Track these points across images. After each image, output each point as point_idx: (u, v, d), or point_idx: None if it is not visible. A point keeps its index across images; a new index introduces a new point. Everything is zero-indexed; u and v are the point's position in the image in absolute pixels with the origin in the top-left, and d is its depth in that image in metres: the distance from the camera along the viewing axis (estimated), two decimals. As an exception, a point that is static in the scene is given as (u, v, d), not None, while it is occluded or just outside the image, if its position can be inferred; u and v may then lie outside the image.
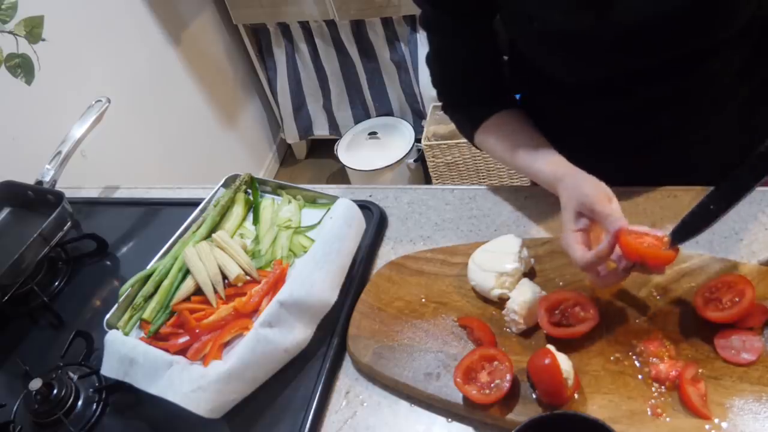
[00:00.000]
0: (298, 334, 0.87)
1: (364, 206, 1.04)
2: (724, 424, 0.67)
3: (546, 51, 0.88)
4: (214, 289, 0.96)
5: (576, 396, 0.73)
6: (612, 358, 0.75)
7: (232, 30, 2.65)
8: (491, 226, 0.98)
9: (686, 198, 0.92)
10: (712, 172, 0.92)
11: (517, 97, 1.03)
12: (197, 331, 0.91)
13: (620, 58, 0.83)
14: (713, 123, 0.92)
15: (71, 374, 0.95)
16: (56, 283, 1.15)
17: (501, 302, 0.84)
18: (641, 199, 0.94)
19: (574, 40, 0.82)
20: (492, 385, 0.74)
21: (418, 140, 2.53)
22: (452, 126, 2.32)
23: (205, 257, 0.98)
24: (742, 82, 0.89)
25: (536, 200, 0.99)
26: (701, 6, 0.76)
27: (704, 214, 0.72)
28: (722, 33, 0.81)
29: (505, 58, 1.00)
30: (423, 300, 0.89)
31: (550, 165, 0.86)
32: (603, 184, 0.78)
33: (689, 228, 0.72)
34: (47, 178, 1.21)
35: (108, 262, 1.18)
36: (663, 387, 0.71)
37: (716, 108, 0.91)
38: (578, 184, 0.79)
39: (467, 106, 1.00)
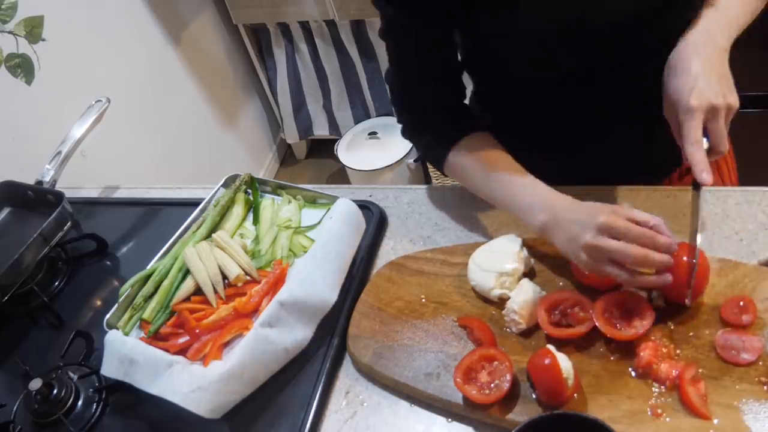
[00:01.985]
0: (298, 334, 0.87)
1: (364, 206, 1.04)
2: (724, 424, 0.67)
3: (519, 49, 0.87)
4: (214, 289, 0.96)
5: (576, 396, 0.73)
6: (612, 358, 0.75)
7: (232, 30, 2.65)
8: (491, 226, 0.98)
9: (686, 198, 0.92)
10: (663, 169, 0.96)
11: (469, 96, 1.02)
12: (197, 331, 0.91)
13: (595, 55, 0.85)
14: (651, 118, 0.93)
15: (71, 374, 0.95)
16: (56, 283, 1.15)
17: (501, 302, 0.84)
18: (641, 199, 0.94)
19: (556, 36, 0.83)
20: (492, 385, 0.74)
21: (418, 140, 2.52)
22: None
23: (205, 257, 0.98)
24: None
25: (536, 200, 0.99)
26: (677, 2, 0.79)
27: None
28: (669, 31, 0.82)
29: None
30: (423, 300, 0.89)
31: (539, 200, 0.82)
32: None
33: None
34: (47, 178, 1.21)
35: (108, 262, 1.18)
36: (663, 387, 0.71)
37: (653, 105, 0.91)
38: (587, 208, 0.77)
39: (434, 125, 0.95)
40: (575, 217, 0.76)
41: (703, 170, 0.72)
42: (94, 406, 0.92)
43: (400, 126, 0.99)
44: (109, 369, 0.90)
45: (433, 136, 0.96)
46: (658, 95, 0.82)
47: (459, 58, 0.95)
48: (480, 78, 1.03)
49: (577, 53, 0.85)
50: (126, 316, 0.97)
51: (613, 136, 0.97)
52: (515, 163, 0.88)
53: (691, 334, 0.75)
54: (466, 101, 0.98)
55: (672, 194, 0.94)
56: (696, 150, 0.72)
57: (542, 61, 0.88)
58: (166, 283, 0.98)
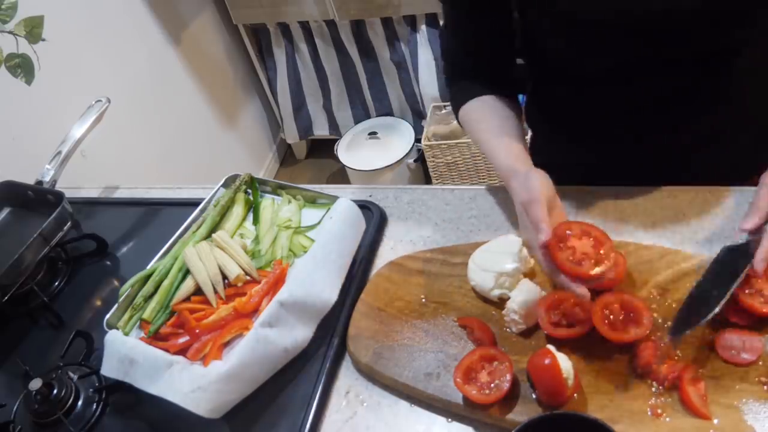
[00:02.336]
0: (298, 334, 0.87)
1: (364, 206, 1.04)
2: (724, 424, 0.67)
3: (563, 36, 0.88)
4: (214, 289, 0.96)
5: (576, 396, 0.73)
6: (612, 358, 0.75)
7: (232, 30, 2.65)
8: (491, 226, 0.98)
9: (686, 198, 0.92)
10: (710, 171, 0.93)
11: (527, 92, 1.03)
12: (197, 331, 0.91)
13: (638, 47, 0.84)
14: (718, 120, 0.92)
15: (71, 374, 0.95)
16: (56, 283, 1.15)
17: (501, 302, 0.84)
18: (641, 199, 0.94)
19: (598, 26, 0.82)
20: (492, 385, 0.74)
21: (418, 140, 2.53)
22: (452, 126, 2.34)
23: (205, 257, 0.98)
24: (755, 81, 0.89)
25: (536, 200, 0.99)
26: (724, 4, 0.77)
27: (702, 302, 0.73)
28: (744, 32, 0.81)
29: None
30: (423, 300, 0.89)
31: (508, 159, 0.87)
32: (551, 184, 0.79)
33: (687, 321, 0.73)
34: (47, 178, 1.21)
35: (108, 262, 1.18)
36: (663, 387, 0.71)
37: (724, 106, 0.91)
38: (525, 181, 0.79)
39: (468, 82, 1.00)
40: (518, 210, 0.81)
41: (763, 260, 0.71)
42: (94, 406, 0.92)
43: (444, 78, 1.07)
44: (109, 369, 0.90)
45: (459, 89, 1.01)
46: (717, 100, 0.83)
47: (515, 42, 0.97)
48: (534, 67, 1.04)
49: (625, 44, 0.84)
50: (126, 316, 0.97)
51: (661, 136, 0.95)
52: (509, 129, 0.92)
53: (691, 334, 0.75)
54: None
55: (672, 194, 0.94)
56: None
57: (589, 50, 0.87)
58: (166, 283, 0.98)
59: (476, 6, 0.90)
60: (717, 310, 0.70)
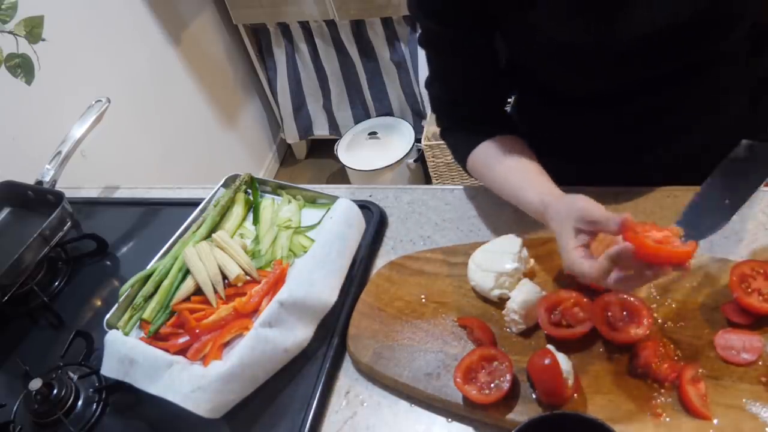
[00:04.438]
0: (298, 334, 0.87)
1: (364, 206, 1.04)
2: (724, 424, 0.67)
3: (547, 63, 0.87)
4: (214, 289, 0.96)
5: (576, 396, 0.73)
6: (612, 358, 0.75)
7: (232, 30, 2.65)
8: (491, 226, 0.98)
9: (686, 198, 0.92)
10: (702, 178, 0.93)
11: (512, 103, 1.01)
12: (197, 331, 0.91)
13: (622, 70, 0.83)
14: (711, 128, 0.92)
15: (71, 374, 0.95)
16: (56, 283, 1.15)
17: (501, 302, 0.84)
18: (641, 199, 0.94)
19: (577, 52, 0.82)
20: (492, 385, 0.74)
21: (418, 140, 2.53)
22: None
23: (205, 257, 0.98)
24: (741, 89, 0.90)
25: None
26: (702, 18, 0.76)
27: (718, 207, 0.69)
28: (722, 44, 0.81)
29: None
30: (423, 300, 0.89)
31: (536, 195, 0.82)
32: (590, 199, 0.75)
33: (706, 223, 0.69)
34: (47, 178, 1.21)
35: (108, 262, 1.18)
36: (663, 387, 0.71)
37: (715, 115, 0.91)
38: (569, 202, 0.76)
39: (465, 130, 0.96)
40: (557, 226, 0.76)
41: None
42: (94, 406, 0.92)
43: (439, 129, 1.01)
44: (109, 369, 0.90)
45: (458, 139, 0.97)
46: (702, 116, 0.81)
47: (500, 65, 0.93)
48: (519, 86, 1.02)
49: (606, 69, 0.83)
50: (126, 316, 0.97)
51: (650, 155, 0.95)
52: (526, 167, 0.87)
53: (691, 334, 0.75)
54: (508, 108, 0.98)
55: (672, 194, 0.94)
56: None
57: (573, 77, 0.86)
58: (166, 283, 0.98)
59: (460, 44, 0.87)
60: (727, 222, 0.68)
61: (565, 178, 0.85)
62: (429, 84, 0.96)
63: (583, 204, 0.73)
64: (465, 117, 0.95)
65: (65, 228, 1.15)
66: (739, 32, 0.81)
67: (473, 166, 0.94)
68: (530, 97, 1.02)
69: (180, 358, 0.87)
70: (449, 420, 0.78)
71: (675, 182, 0.94)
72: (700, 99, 0.88)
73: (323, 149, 2.96)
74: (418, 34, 0.91)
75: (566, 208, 0.75)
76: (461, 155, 0.95)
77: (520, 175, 0.87)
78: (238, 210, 1.09)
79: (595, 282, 0.70)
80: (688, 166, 0.95)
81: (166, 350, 0.89)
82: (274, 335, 0.85)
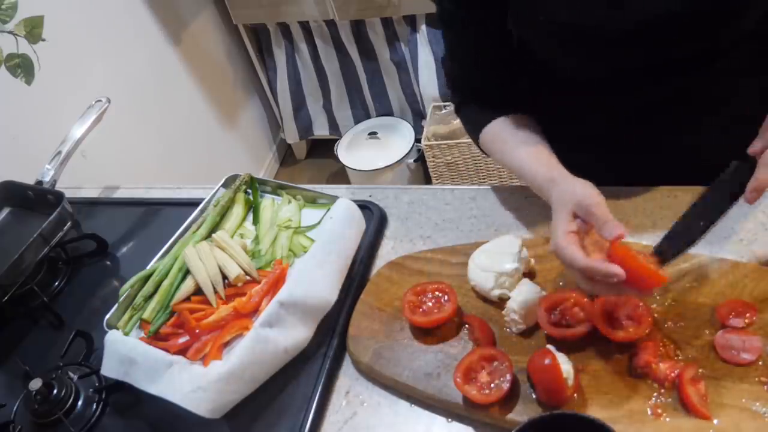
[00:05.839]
0: (298, 334, 0.87)
1: (364, 206, 1.04)
2: (724, 424, 0.67)
3: (553, 45, 0.88)
4: (214, 289, 0.96)
5: (576, 396, 0.73)
6: (612, 358, 0.75)
7: (232, 30, 2.65)
8: (491, 226, 0.98)
9: (686, 198, 0.92)
10: (710, 173, 0.92)
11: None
12: (197, 331, 0.91)
13: (626, 54, 0.83)
14: (714, 123, 0.92)
15: (71, 374, 0.95)
16: (56, 283, 1.15)
17: (501, 302, 0.84)
18: (641, 200, 0.94)
19: (582, 35, 0.82)
20: (492, 385, 0.74)
21: (418, 140, 2.53)
22: (452, 126, 2.34)
23: (205, 257, 0.98)
24: (748, 82, 0.89)
25: (536, 200, 0.98)
26: (708, 6, 0.76)
27: (691, 230, 0.71)
28: (728, 34, 0.81)
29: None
30: (423, 300, 0.88)
31: (544, 167, 0.84)
32: (595, 188, 0.76)
33: (676, 246, 0.71)
34: (47, 178, 1.21)
35: (108, 262, 1.18)
36: (663, 387, 0.71)
37: (719, 107, 0.91)
38: (573, 185, 0.78)
39: (478, 106, 0.99)
40: (555, 205, 0.78)
41: (755, 189, 0.69)
42: (94, 406, 0.92)
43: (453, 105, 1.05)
44: (109, 369, 0.90)
45: (471, 115, 1.00)
46: (713, 104, 0.81)
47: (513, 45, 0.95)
48: (530, 69, 1.03)
49: (610, 52, 0.84)
50: (126, 316, 0.97)
51: (659, 143, 0.94)
52: (535, 143, 0.90)
53: (690, 334, 0.75)
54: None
55: (672, 194, 0.94)
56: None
57: (577, 60, 0.87)
58: (166, 283, 0.98)
59: (473, 22, 0.90)
60: (697, 242, 0.70)
61: (568, 169, 0.86)
62: (444, 62, 1.00)
63: (589, 192, 0.75)
64: (478, 93, 0.98)
65: (65, 228, 1.15)
66: (747, 23, 0.80)
67: (485, 139, 0.97)
68: (536, 80, 1.02)
69: (180, 358, 0.87)
70: (449, 420, 0.78)
71: (682, 179, 0.94)
72: (710, 92, 0.88)
73: (323, 149, 2.96)
74: (436, 11, 0.94)
75: (571, 189, 0.77)
76: (474, 129, 0.99)
77: (531, 149, 0.89)
78: (238, 210, 1.09)
79: (567, 268, 0.72)
80: (696, 163, 0.95)
81: (166, 350, 0.89)
82: (274, 335, 0.85)
